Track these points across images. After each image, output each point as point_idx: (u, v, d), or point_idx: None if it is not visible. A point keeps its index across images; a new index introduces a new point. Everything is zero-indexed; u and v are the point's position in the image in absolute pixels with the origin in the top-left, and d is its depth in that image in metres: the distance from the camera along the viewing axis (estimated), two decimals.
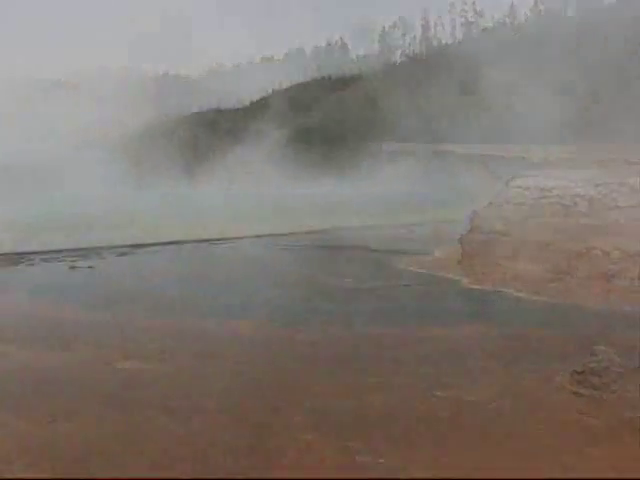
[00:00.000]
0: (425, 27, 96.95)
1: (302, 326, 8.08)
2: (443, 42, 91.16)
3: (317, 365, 6.27)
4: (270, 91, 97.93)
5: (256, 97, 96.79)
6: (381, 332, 7.66)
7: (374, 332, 7.68)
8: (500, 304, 9.14)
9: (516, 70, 55.46)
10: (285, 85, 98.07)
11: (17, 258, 20.01)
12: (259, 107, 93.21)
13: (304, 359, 6.53)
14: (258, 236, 25.72)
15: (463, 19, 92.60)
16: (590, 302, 8.73)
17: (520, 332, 7.30)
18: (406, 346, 6.90)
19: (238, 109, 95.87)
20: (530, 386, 5.34)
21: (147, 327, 8.52)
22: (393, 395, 5.26)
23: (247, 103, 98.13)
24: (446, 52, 77.64)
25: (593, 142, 38.06)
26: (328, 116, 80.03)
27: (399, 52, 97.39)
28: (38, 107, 77.43)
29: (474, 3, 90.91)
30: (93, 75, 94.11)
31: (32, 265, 17.81)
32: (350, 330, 7.80)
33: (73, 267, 16.42)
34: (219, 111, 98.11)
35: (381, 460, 4.07)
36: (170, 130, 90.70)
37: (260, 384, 5.71)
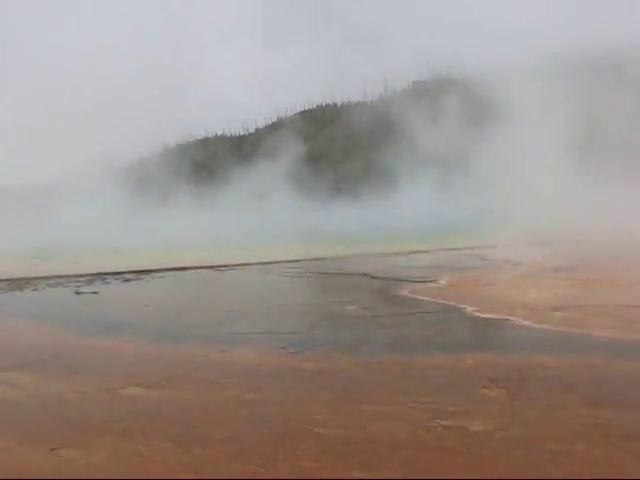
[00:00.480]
0: None
1: (307, 354, 8.05)
2: None
3: (322, 393, 6.23)
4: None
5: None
6: (386, 360, 7.62)
7: (379, 360, 7.65)
8: (506, 332, 9.09)
9: None
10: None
11: (22, 283, 20.08)
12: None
13: (309, 388, 6.49)
14: (261, 263, 25.81)
15: None
16: (597, 331, 8.68)
17: (526, 360, 7.25)
18: (411, 374, 6.86)
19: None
20: (537, 416, 5.29)
21: (151, 354, 8.51)
22: (398, 424, 5.21)
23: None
24: None
25: None
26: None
27: None
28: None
29: None
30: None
31: (37, 290, 17.84)
32: (355, 358, 7.76)
33: (78, 292, 16.45)
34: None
35: None
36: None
37: (265, 413, 5.67)
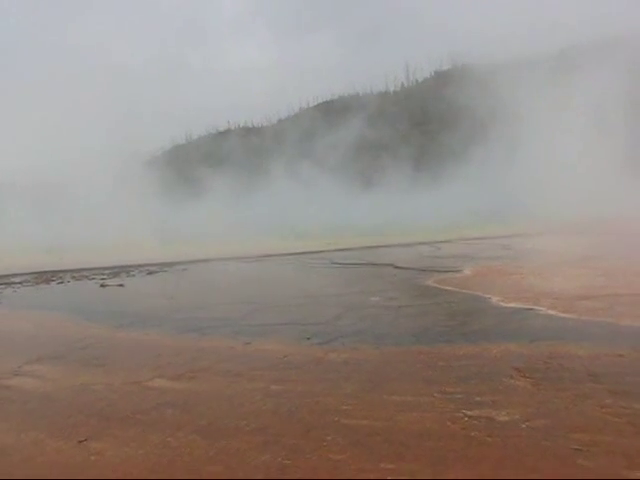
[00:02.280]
0: None
1: (332, 345, 8.06)
2: None
3: (348, 384, 6.23)
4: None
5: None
6: (411, 350, 7.60)
7: (404, 350, 7.63)
8: (531, 322, 9.02)
9: None
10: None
11: (49, 276, 20.29)
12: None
13: (335, 378, 6.49)
14: (284, 254, 25.88)
15: None
16: (623, 320, 8.59)
17: (552, 350, 7.20)
18: (436, 364, 6.84)
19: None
20: (563, 406, 5.25)
21: (176, 346, 8.56)
22: (424, 415, 5.20)
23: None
24: None
25: None
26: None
27: None
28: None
29: None
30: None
31: (63, 283, 18.01)
32: (380, 349, 7.75)
33: (103, 285, 16.59)
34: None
35: None
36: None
37: (291, 404, 5.68)
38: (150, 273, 20.32)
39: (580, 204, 38.16)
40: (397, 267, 17.73)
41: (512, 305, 10.29)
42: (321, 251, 26.84)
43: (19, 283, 18.49)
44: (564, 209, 38.15)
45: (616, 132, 51.23)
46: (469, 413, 5.16)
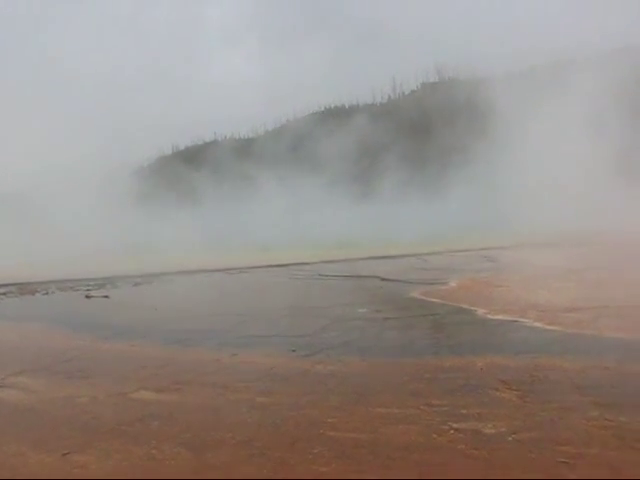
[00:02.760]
0: None
1: (318, 357, 8.04)
2: None
3: (334, 397, 6.21)
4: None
5: None
6: (397, 362, 7.61)
7: (390, 362, 7.63)
8: (517, 334, 9.05)
9: None
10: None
11: (33, 287, 20.17)
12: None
13: (321, 391, 6.48)
14: (271, 266, 25.88)
15: None
16: (609, 332, 8.63)
17: (537, 362, 7.21)
18: (422, 377, 6.84)
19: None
20: (549, 418, 5.25)
21: (161, 357, 8.52)
22: (410, 427, 5.19)
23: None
24: None
25: None
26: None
27: None
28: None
29: None
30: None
31: (48, 294, 17.91)
32: (366, 361, 7.74)
33: (89, 296, 16.51)
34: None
35: None
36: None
37: (276, 417, 5.65)
38: (136, 285, 20.25)
39: (568, 216, 38.39)
40: (383, 279, 17.74)
41: (498, 317, 10.33)
42: (307, 263, 26.85)
43: (3, 294, 18.36)
44: (551, 221, 38.38)
45: (604, 144, 51.50)
46: (455, 426, 5.15)
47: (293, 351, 8.48)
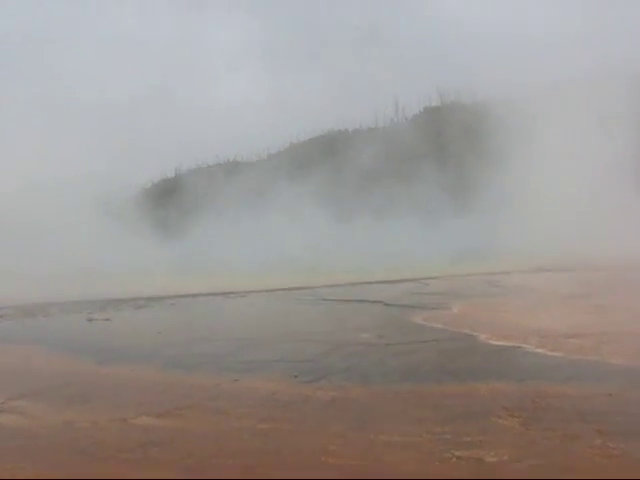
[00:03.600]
0: None
1: (320, 383, 8.01)
2: None
3: (335, 423, 6.17)
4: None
5: None
6: (399, 389, 7.57)
7: (392, 389, 7.60)
8: (519, 360, 9.02)
9: None
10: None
11: (35, 309, 20.16)
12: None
13: (322, 417, 6.45)
14: (271, 290, 25.86)
15: None
16: (612, 358, 8.59)
17: (540, 389, 7.18)
18: (424, 404, 6.81)
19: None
20: (552, 446, 5.22)
21: (162, 382, 8.49)
22: (412, 455, 5.15)
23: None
24: None
25: None
26: None
27: None
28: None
29: None
30: None
31: (49, 317, 17.89)
32: (368, 387, 7.71)
33: (90, 319, 16.50)
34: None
35: None
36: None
37: (278, 443, 5.61)
38: (138, 307, 20.23)
39: (571, 241, 38.38)
40: (386, 304, 17.71)
41: (500, 343, 10.29)
42: (309, 287, 26.83)
43: (1, 317, 18.31)
44: (554, 246, 38.38)
45: (609, 162, 51.34)
46: (457, 454, 5.11)
47: (295, 377, 8.45)
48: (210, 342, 12.10)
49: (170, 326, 15.31)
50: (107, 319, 16.52)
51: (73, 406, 7.36)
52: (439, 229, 64.21)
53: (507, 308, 15.09)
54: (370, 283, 28.39)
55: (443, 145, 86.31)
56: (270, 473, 4.90)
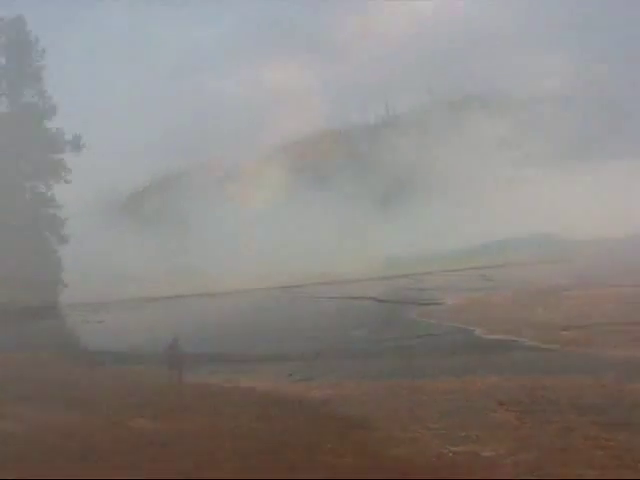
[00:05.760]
0: None
1: (315, 381, 8.01)
2: None
3: (330, 421, 6.17)
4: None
5: None
6: (394, 385, 7.57)
7: (387, 385, 7.59)
8: (514, 353, 9.03)
9: None
10: None
11: (29, 312, 20.08)
12: None
13: (317, 415, 6.44)
14: (263, 289, 25.83)
15: None
16: (605, 350, 8.61)
17: (535, 382, 7.18)
18: (420, 399, 6.80)
19: None
20: (548, 439, 5.21)
21: (157, 384, 8.47)
22: (409, 451, 5.14)
23: None
24: None
25: None
26: None
27: None
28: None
29: None
30: None
31: (44, 319, 17.85)
32: (363, 384, 7.70)
33: (85, 321, 16.49)
34: None
35: None
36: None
37: (274, 442, 5.59)
38: (130, 309, 20.20)
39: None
40: (379, 300, 17.72)
41: (495, 337, 10.31)
42: (303, 285, 26.82)
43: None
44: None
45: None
46: (454, 449, 5.10)
47: (290, 375, 8.45)
48: (203, 341, 12.08)
49: (162, 327, 15.22)
50: (101, 321, 16.48)
51: (68, 409, 7.31)
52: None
53: (499, 301, 15.09)
54: (363, 280, 28.30)
55: (428, 144, 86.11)
56: (266, 472, 4.88)
